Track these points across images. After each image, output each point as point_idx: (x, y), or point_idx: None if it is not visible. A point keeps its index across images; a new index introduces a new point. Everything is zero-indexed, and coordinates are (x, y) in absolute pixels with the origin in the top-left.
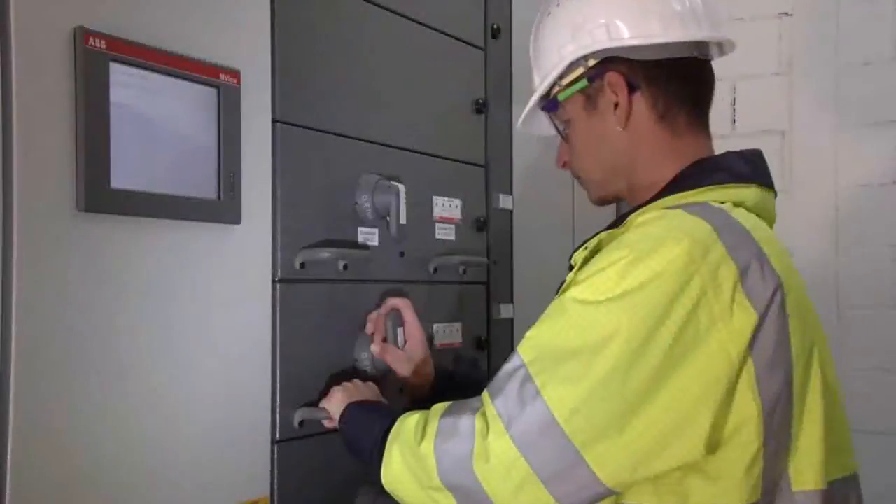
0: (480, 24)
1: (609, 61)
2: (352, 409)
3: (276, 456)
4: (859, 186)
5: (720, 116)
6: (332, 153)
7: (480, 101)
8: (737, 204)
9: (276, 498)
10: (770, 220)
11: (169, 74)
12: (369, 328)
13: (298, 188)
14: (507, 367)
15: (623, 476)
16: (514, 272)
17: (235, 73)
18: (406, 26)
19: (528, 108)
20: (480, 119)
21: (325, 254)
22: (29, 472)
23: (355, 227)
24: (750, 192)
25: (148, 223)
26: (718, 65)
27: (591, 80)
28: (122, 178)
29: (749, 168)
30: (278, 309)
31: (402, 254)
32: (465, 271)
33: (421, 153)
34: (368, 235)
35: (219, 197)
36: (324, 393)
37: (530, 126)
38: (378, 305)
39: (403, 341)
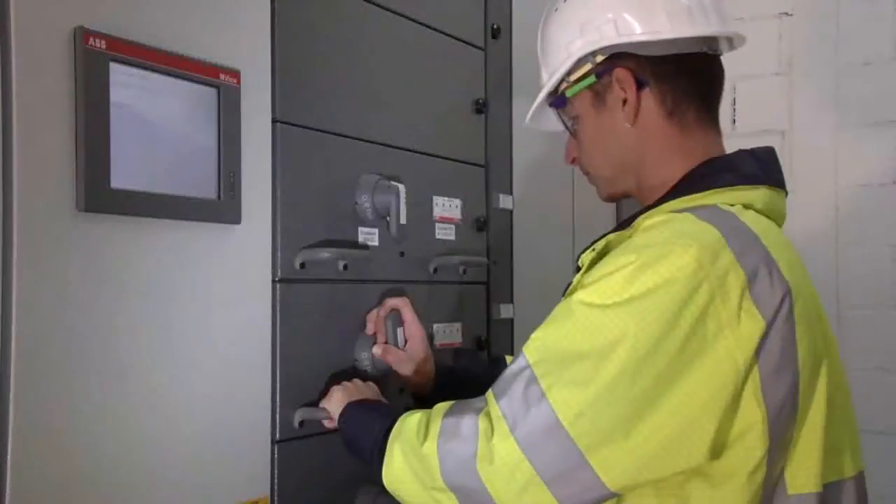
0: (480, 24)
1: (617, 57)
2: (351, 409)
3: (276, 456)
4: (859, 186)
5: (720, 116)
6: (332, 153)
7: (480, 101)
8: (746, 206)
9: (276, 498)
10: (780, 221)
11: (169, 74)
12: (370, 328)
13: (298, 188)
14: (513, 367)
15: (627, 480)
16: (514, 272)
17: (235, 73)
18: (406, 26)
19: (535, 105)
20: (480, 119)
21: (325, 254)
22: (29, 472)
23: (355, 227)
24: (759, 194)
25: (148, 223)
26: None
27: (599, 76)
28: (122, 178)
29: (759, 168)
30: (278, 309)
31: (402, 254)
32: (465, 271)
33: (421, 153)
34: (368, 235)
35: (219, 197)
36: (324, 393)
37: (538, 122)
38: (378, 305)
39: (404, 341)
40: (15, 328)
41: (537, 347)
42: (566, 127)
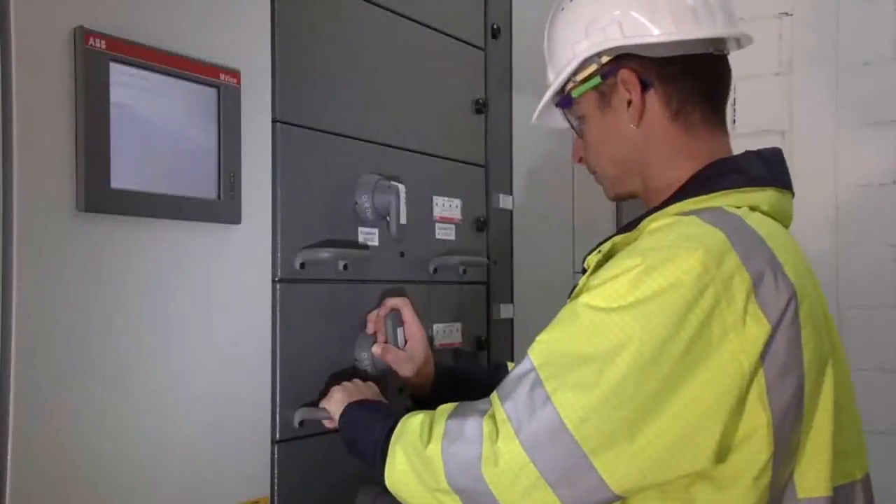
0: (480, 24)
1: (622, 58)
2: (352, 409)
3: (276, 456)
4: (859, 186)
5: None
6: (332, 153)
7: (480, 101)
8: (752, 208)
9: (276, 498)
10: (786, 222)
11: (169, 74)
12: (370, 328)
13: (298, 188)
14: (518, 370)
15: (631, 483)
16: (514, 272)
17: (235, 73)
18: (406, 26)
19: (542, 104)
20: (480, 119)
21: (325, 254)
22: (29, 472)
23: (355, 227)
24: (765, 196)
25: (148, 223)
26: None
27: (604, 77)
28: (122, 178)
29: (766, 169)
30: (278, 309)
31: (402, 254)
32: (465, 271)
33: (421, 153)
34: (368, 235)
35: (219, 197)
36: (324, 393)
37: (545, 120)
38: (378, 305)
39: (404, 341)
40: (15, 328)
41: (542, 350)
42: (572, 127)
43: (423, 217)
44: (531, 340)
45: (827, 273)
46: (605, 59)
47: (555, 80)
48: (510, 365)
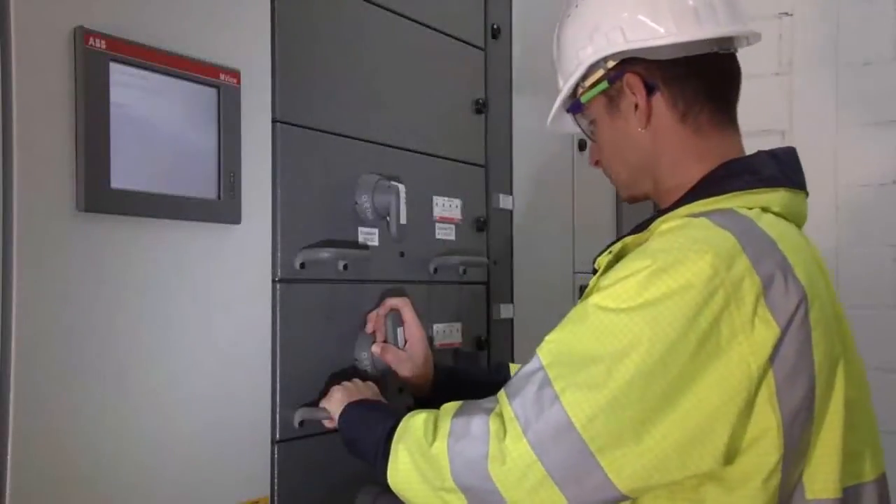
0: (480, 24)
1: (628, 62)
2: (352, 409)
3: (276, 456)
4: (859, 186)
5: None
6: (332, 153)
7: (480, 101)
8: (764, 209)
9: (276, 498)
10: (800, 222)
11: (169, 74)
12: (369, 328)
13: (298, 188)
14: (526, 368)
15: (638, 482)
16: (514, 272)
17: (235, 73)
18: (406, 26)
19: (553, 111)
20: (480, 119)
21: (325, 254)
22: (29, 472)
23: (355, 227)
24: (777, 197)
25: (148, 223)
26: None
27: (611, 81)
28: (122, 178)
29: (779, 170)
30: (278, 309)
31: (402, 254)
32: (465, 271)
33: (421, 153)
34: (368, 235)
35: (219, 197)
36: (324, 393)
37: (558, 126)
38: (378, 305)
39: (404, 341)
40: (15, 328)
41: (551, 350)
42: (583, 131)
43: (423, 217)
44: (531, 340)
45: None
46: (610, 63)
47: (564, 87)
48: (512, 366)
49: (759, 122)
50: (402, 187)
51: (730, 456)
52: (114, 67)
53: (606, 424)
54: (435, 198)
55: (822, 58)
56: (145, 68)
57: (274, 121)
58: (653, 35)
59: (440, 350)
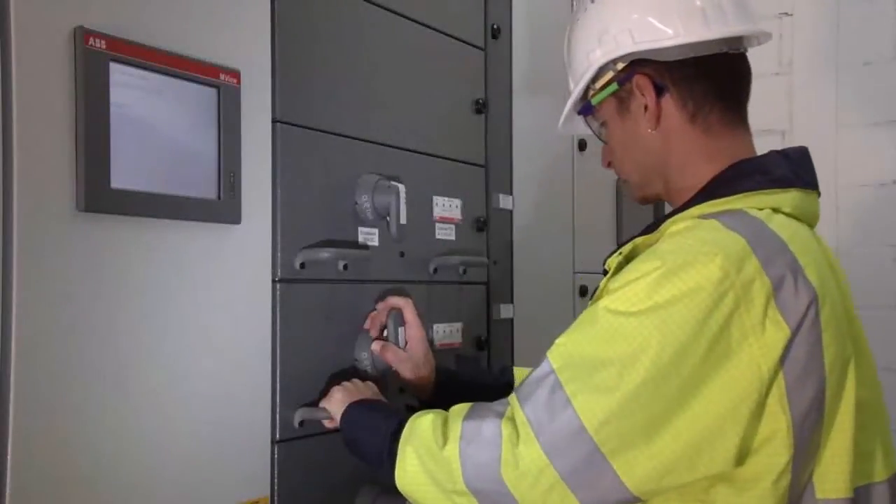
0: (480, 24)
1: (637, 63)
2: (353, 409)
3: (276, 456)
4: (859, 186)
5: None
6: (332, 153)
7: (480, 101)
8: (775, 210)
9: (276, 498)
10: (812, 222)
11: (169, 74)
12: (368, 323)
13: (298, 188)
14: (537, 372)
15: (650, 484)
16: (514, 272)
17: (235, 73)
18: (406, 26)
19: (565, 113)
20: (480, 119)
21: (325, 254)
22: (29, 472)
23: (355, 227)
24: (788, 198)
25: (148, 223)
26: None
27: (620, 83)
28: (123, 178)
29: (790, 170)
30: (278, 309)
31: (402, 254)
32: (465, 271)
33: (421, 153)
34: (368, 235)
35: (219, 197)
36: (324, 393)
37: (570, 128)
38: (379, 301)
39: (405, 342)
40: (15, 328)
41: (561, 353)
42: (594, 133)
43: (423, 217)
44: (531, 340)
45: None
46: (620, 65)
47: (574, 89)
48: (517, 370)
49: (759, 122)
50: (402, 187)
51: (741, 457)
52: (114, 67)
53: (618, 427)
54: (435, 198)
55: (822, 58)
56: (145, 68)
57: (274, 121)
58: (661, 36)
59: (440, 350)
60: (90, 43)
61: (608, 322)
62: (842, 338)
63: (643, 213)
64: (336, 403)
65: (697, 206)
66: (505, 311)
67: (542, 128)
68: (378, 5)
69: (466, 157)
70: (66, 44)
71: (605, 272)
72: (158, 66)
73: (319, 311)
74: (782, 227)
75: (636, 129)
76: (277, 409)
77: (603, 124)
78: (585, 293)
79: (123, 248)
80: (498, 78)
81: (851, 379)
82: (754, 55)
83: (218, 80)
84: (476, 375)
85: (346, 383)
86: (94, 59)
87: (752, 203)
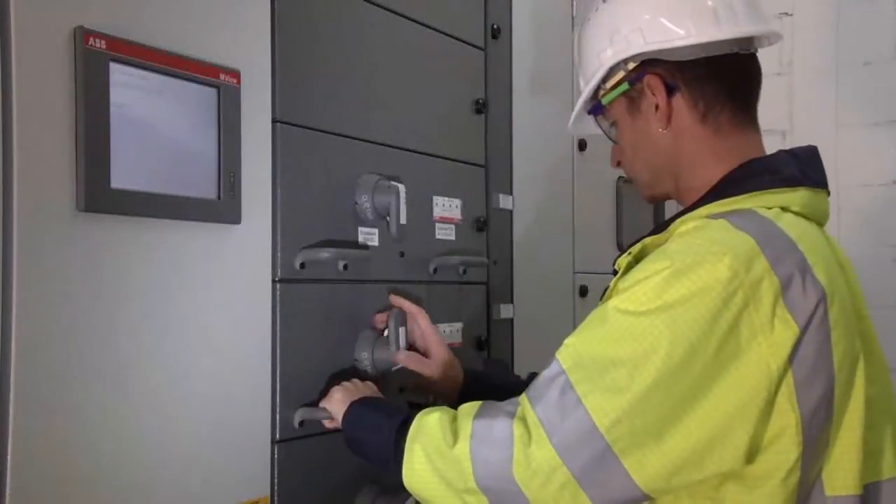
0: (480, 24)
1: (648, 63)
2: (355, 408)
3: (276, 456)
4: (859, 186)
5: None
6: (332, 153)
7: (480, 101)
8: (784, 209)
9: (276, 498)
10: (822, 221)
11: (169, 74)
12: (372, 321)
13: (298, 188)
14: (547, 373)
15: (660, 482)
16: (514, 272)
17: (235, 73)
18: (406, 26)
19: (575, 112)
20: (480, 119)
21: (325, 254)
22: (29, 472)
23: (355, 227)
24: (797, 197)
25: (148, 223)
26: None
27: (631, 83)
28: (123, 178)
29: (798, 169)
30: (278, 309)
31: (402, 254)
32: (465, 271)
33: (421, 153)
34: (368, 235)
35: (219, 197)
36: (324, 393)
37: (580, 127)
38: (393, 298)
39: (405, 342)
40: (15, 328)
41: (570, 354)
42: (605, 132)
43: (423, 217)
44: (531, 340)
45: None
46: (631, 65)
47: (585, 88)
48: None
49: (760, 122)
50: (402, 187)
51: (750, 455)
52: (114, 67)
53: (630, 427)
54: (435, 198)
55: (822, 58)
56: (145, 68)
57: (274, 121)
58: (672, 36)
59: None
60: (90, 43)
61: (618, 322)
62: (851, 336)
63: (643, 214)
64: (336, 403)
65: (706, 206)
66: (505, 311)
67: (542, 128)
68: (378, 5)
69: (466, 157)
70: (66, 44)
71: (615, 272)
72: (158, 66)
73: (319, 311)
74: (791, 226)
75: (647, 128)
76: (277, 409)
77: (613, 124)
78: (585, 293)
79: (123, 248)
80: (498, 78)
81: (860, 377)
82: None
83: (218, 80)
84: (507, 381)
85: (345, 383)
86: (94, 59)
87: (761, 202)
